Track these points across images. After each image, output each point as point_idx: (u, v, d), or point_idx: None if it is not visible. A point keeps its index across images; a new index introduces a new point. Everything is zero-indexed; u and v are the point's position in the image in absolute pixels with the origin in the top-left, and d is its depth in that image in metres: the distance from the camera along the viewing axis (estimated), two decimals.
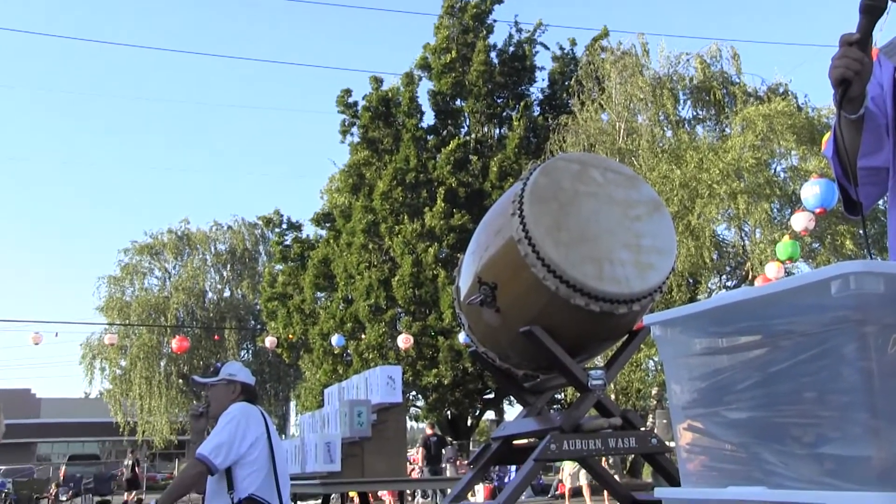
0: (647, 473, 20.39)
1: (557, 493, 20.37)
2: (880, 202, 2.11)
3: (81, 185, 76.27)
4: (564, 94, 24.30)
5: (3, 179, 73.17)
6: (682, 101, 21.15)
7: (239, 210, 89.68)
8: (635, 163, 19.10)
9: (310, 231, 28.69)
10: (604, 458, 15.46)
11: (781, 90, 20.73)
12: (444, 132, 25.11)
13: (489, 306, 3.85)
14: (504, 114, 25.11)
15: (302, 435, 8.22)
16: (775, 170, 19.43)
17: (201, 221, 62.62)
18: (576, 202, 3.83)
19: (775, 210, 18.53)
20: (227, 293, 41.04)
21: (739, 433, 1.47)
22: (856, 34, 1.78)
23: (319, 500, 8.62)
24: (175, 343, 25.66)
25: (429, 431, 20.26)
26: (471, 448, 25.63)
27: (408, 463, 15.90)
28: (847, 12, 1.87)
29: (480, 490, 17.50)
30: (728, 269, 20.93)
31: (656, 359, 17.63)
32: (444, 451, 20.04)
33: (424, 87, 25.26)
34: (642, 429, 4.04)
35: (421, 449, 20.29)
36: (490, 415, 29.72)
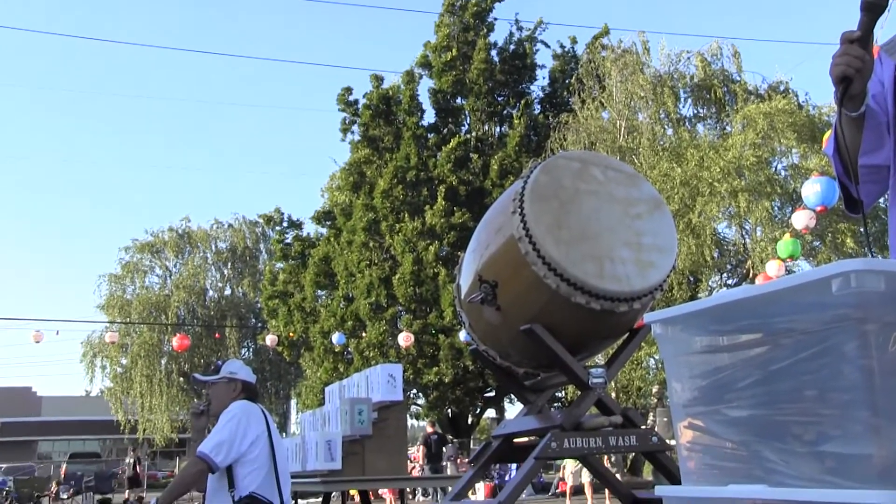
0: (647, 471, 20.39)
1: (558, 491, 20.37)
2: (881, 200, 2.10)
3: (82, 183, 76.29)
4: (565, 93, 24.29)
5: (4, 178, 73.23)
6: (682, 100, 21.15)
7: (240, 208, 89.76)
8: (636, 161, 19.09)
9: (310, 229, 28.76)
10: (606, 457, 15.48)
11: (782, 88, 20.72)
12: (445, 130, 25.12)
13: (490, 304, 3.86)
14: (505, 112, 25.11)
15: (303, 433, 8.22)
16: (776, 168, 19.44)
17: (202, 219, 62.68)
18: (576, 200, 3.83)
19: (776, 208, 18.54)
20: (227, 291, 41.07)
21: (740, 431, 1.47)
22: (857, 32, 1.78)
23: (320, 499, 8.63)
24: (176, 341, 25.68)
25: (429, 429, 20.26)
26: (471, 446, 25.63)
27: (408, 461, 15.91)
28: (848, 10, 1.87)
29: (481, 488, 17.49)
30: (729, 267, 20.94)
31: (657, 357, 17.64)
32: (444, 449, 20.04)
33: (425, 86, 25.33)
34: (643, 427, 4.05)
35: (422, 447, 20.29)
36: (491, 413, 29.75)
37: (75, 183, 76.67)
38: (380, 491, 16.67)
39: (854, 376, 1.25)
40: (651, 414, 19.53)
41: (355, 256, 23.77)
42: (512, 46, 25.51)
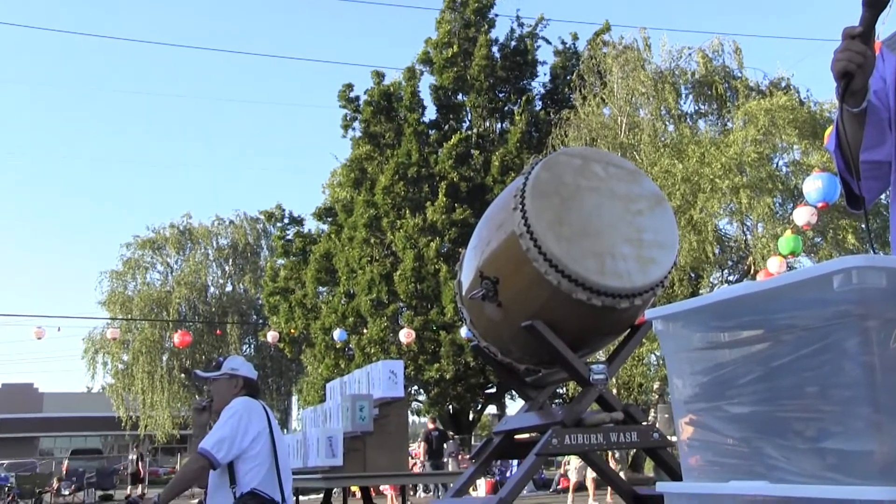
0: (648, 468, 20.40)
1: (559, 487, 20.39)
2: (882, 197, 2.10)
3: (83, 179, 76.27)
4: (566, 89, 24.26)
5: (5, 175, 73.22)
6: (683, 96, 21.12)
7: (241, 205, 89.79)
8: (637, 157, 19.08)
9: (312, 226, 28.76)
10: (610, 454, 15.49)
11: (783, 84, 20.68)
12: (446, 127, 25.11)
13: (491, 301, 3.86)
14: (506, 108, 25.10)
15: (304, 429, 8.24)
16: (777, 164, 19.42)
17: (203, 216, 62.82)
18: (578, 197, 3.83)
19: (777, 204, 18.52)
20: (229, 288, 41.09)
21: (741, 428, 1.47)
22: (858, 27, 1.78)
23: (321, 495, 8.64)
24: (177, 338, 25.70)
25: (430, 426, 20.29)
26: (472, 442, 25.67)
27: (409, 457, 15.92)
28: (850, 6, 1.87)
29: (482, 484, 17.51)
30: (730, 263, 20.93)
31: (658, 353, 17.64)
32: (445, 445, 20.07)
33: (426, 82, 25.30)
34: (644, 423, 4.05)
35: (423, 443, 20.33)
36: (492, 409, 29.79)
37: (76, 179, 76.75)
38: (381, 487, 16.71)
39: (855, 373, 1.25)
40: (652, 410, 19.58)
41: (356, 253, 23.77)
42: (513, 43, 25.49)
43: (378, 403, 7.19)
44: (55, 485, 24.24)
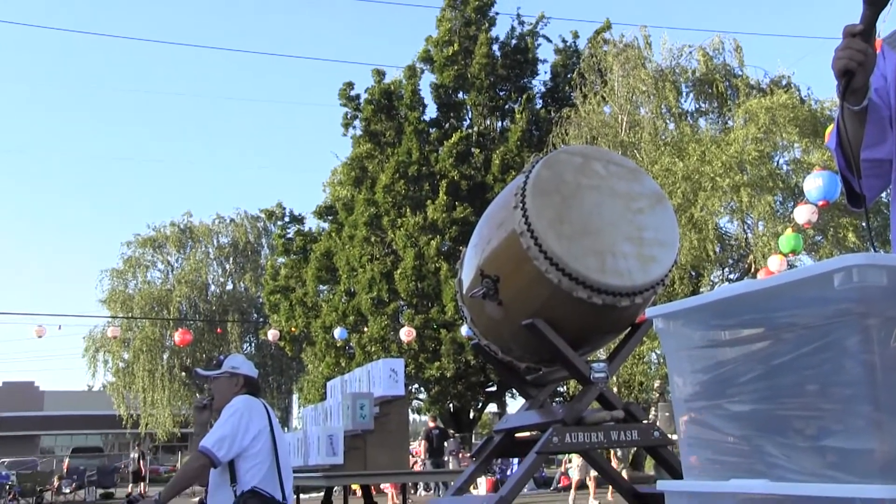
0: (649, 466, 20.42)
1: (560, 485, 20.39)
2: (883, 195, 2.10)
3: (83, 178, 76.23)
4: (567, 87, 24.26)
5: (5, 173, 73.24)
6: (684, 94, 21.12)
7: (241, 203, 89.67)
8: (638, 155, 19.07)
9: (312, 224, 28.78)
10: (611, 452, 15.49)
11: (784, 83, 20.67)
12: (447, 125, 25.11)
13: (492, 299, 3.86)
14: (506, 106, 25.09)
15: (305, 428, 8.25)
16: (778, 162, 19.41)
17: (204, 214, 62.83)
18: (578, 195, 3.82)
19: (778, 203, 18.51)
20: (229, 286, 41.11)
21: (742, 426, 1.47)
22: (859, 25, 1.77)
23: (322, 493, 8.64)
24: (178, 336, 25.70)
25: (431, 424, 20.30)
26: (473, 441, 25.69)
27: (410, 456, 15.93)
28: (850, 4, 1.87)
29: (483, 483, 17.51)
30: (731, 261, 20.93)
31: (659, 351, 17.64)
32: (446, 443, 20.07)
33: (427, 80, 25.30)
34: (645, 421, 4.04)
35: (423, 442, 20.33)
36: (492, 407, 29.78)
37: (76, 178, 76.73)
38: (381, 485, 16.71)
39: (856, 371, 1.25)
40: (653, 408, 19.61)
41: (357, 251, 23.78)
42: (513, 41, 25.48)
43: (379, 402, 7.19)
44: (56, 483, 24.25)
